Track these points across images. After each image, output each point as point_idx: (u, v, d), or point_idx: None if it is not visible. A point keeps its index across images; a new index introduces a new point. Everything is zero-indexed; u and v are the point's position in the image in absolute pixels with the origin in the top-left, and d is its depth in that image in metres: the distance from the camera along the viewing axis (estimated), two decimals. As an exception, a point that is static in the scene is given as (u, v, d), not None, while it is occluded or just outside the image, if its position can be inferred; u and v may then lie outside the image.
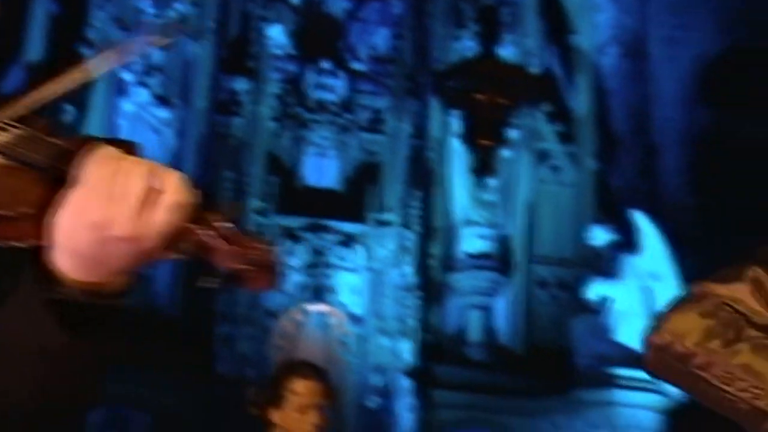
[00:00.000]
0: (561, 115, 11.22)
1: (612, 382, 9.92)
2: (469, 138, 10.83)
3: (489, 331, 10.78)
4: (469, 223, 10.90)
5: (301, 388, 3.18)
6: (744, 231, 10.59)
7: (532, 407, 10.07)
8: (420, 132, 11.09)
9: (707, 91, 11.25)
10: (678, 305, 1.47)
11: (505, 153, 11.00)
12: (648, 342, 1.43)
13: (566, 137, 11.23)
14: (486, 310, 10.79)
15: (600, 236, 10.93)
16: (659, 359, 1.44)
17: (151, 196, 0.91)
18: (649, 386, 9.69)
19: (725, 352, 1.37)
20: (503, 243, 10.96)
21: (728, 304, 1.41)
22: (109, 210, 0.91)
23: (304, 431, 3.19)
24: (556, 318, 10.91)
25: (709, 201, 10.86)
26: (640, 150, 11.48)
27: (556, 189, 11.26)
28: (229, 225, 0.96)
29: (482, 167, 10.86)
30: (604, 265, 10.83)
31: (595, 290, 10.69)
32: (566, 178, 11.26)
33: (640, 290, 10.60)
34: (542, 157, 11.23)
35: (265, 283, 1.00)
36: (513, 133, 10.99)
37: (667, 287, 9.79)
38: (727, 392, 1.37)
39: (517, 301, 10.90)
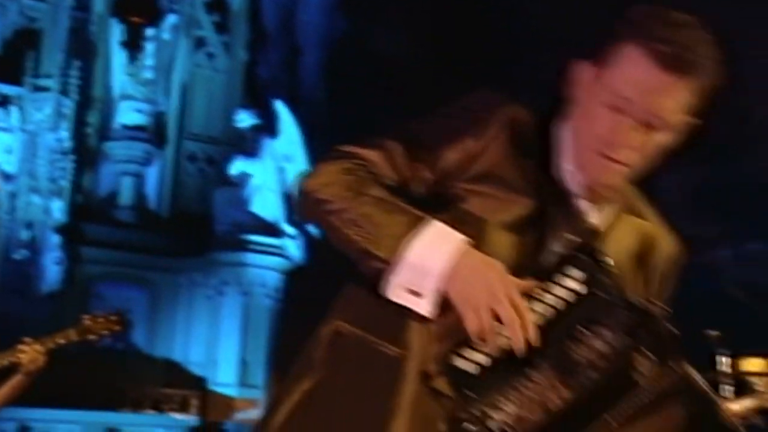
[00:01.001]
0: (218, 6, 11.12)
1: (245, 247, 10.20)
2: (121, 13, 10.42)
3: (139, 196, 10.66)
4: (127, 96, 10.59)
5: None
6: (364, 124, 11.32)
7: (173, 265, 10.17)
8: (83, 4, 10.49)
9: (346, 0, 11.62)
10: (325, 161, 1.57)
11: (165, 35, 10.74)
12: (299, 188, 1.52)
13: (222, 27, 11.17)
14: (137, 177, 10.64)
15: (245, 120, 11.08)
16: (304, 203, 1.53)
17: None
18: (275, 251, 10.17)
19: (354, 202, 1.44)
20: (158, 118, 10.80)
21: (364, 165, 1.53)
22: None
23: None
24: (201, 188, 11.02)
25: (340, 97, 11.36)
26: (285, 47, 11.69)
27: (210, 74, 11.22)
28: None
29: (136, 45, 10.52)
30: (247, 145, 11.04)
31: (237, 166, 10.90)
32: (219, 65, 11.23)
33: (275, 169, 10.99)
34: (199, 43, 11.10)
35: None
36: (172, 18, 10.74)
37: (298, 167, 10.26)
38: (349, 234, 1.50)
39: (167, 172, 10.86)
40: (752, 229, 7.49)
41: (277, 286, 10.30)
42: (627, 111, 1.44)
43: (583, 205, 1.50)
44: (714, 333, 4.71)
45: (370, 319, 1.54)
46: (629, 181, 1.50)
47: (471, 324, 1.38)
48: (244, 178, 10.78)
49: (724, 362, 4.62)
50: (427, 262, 1.42)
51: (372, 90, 11.06)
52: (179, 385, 8.86)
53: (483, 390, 1.36)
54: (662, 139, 1.49)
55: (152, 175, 10.82)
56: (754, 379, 3.77)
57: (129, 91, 10.58)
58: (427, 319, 1.44)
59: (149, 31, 10.54)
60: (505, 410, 1.31)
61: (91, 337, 2.93)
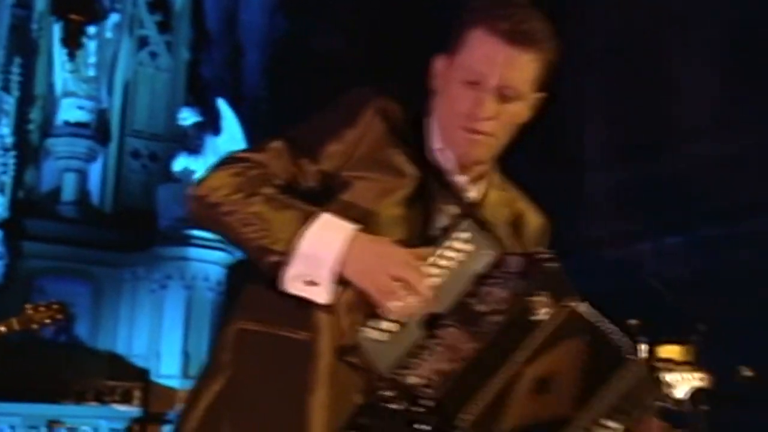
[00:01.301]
0: (160, 6, 10.99)
1: (188, 241, 10.12)
2: (62, 12, 10.21)
3: (82, 192, 10.47)
4: (69, 94, 10.39)
5: None
6: (304, 120, 11.29)
7: (116, 259, 10.04)
8: (24, 2, 10.24)
9: (287, 1, 11.61)
10: (216, 166, 1.62)
11: (107, 34, 10.57)
12: (188, 194, 1.57)
13: (164, 27, 11.04)
14: (80, 173, 10.46)
15: (188, 117, 10.99)
16: (196, 208, 1.57)
17: None
18: (217, 245, 10.10)
19: (244, 203, 1.50)
20: (101, 115, 10.64)
21: (252, 167, 1.56)
22: None
23: None
24: (144, 184, 10.90)
25: (281, 95, 11.34)
26: (228, 47, 11.63)
27: (153, 72, 11.09)
28: None
29: (78, 43, 10.33)
30: (190, 142, 10.96)
31: (180, 163, 10.80)
32: (162, 63, 11.09)
33: (218, 165, 10.91)
34: (142, 42, 10.97)
35: None
36: (114, 17, 10.57)
37: (240, 164, 10.19)
38: (243, 233, 1.52)
39: (110, 168, 10.72)
40: (670, 224, 7.71)
41: (220, 279, 10.26)
42: (481, 85, 1.56)
43: (459, 180, 1.63)
44: (634, 322, 4.88)
45: (273, 313, 1.60)
46: (494, 151, 1.65)
47: (374, 294, 1.46)
48: (187, 174, 10.67)
49: (643, 349, 4.79)
50: (320, 252, 1.50)
51: (312, 87, 11.07)
52: (122, 377, 8.75)
53: (395, 355, 1.43)
54: (516, 108, 1.67)
55: (95, 171, 10.65)
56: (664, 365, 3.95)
57: (71, 88, 10.38)
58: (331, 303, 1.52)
59: (91, 30, 10.35)
60: (419, 369, 1.37)
61: (34, 326, 2.91)
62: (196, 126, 10.99)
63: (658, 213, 7.82)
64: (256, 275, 1.60)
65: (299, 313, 1.52)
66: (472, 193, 1.64)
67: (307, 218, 1.49)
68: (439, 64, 1.65)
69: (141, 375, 9.23)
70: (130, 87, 10.91)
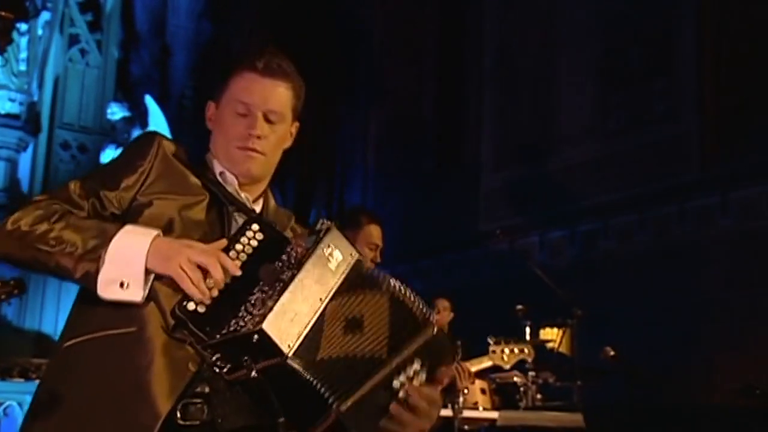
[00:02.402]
0: (91, 6, 10.56)
1: (114, 227, 9.75)
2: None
3: (12, 180, 10.01)
4: (0, 87, 9.90)
5: None
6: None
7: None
8: (-44, -2, 9.72)
9: (212, 7, 11.39)
10: (25, 206, 1.61)
11: (38, 31, 10.10)
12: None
13: (95, 26, 10.62)
14: (11, 162, 9.99)
15: (117, 112, 10.67)
16: (9, 242, 1.55)
17: None
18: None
19: (53, 226, 1.52)
20: (31, 107, 10.16)
21: (57, 202, 1.58)
22: None
23: None
24: (73, 174, 10.40)
25: (205, 94, 11.10)
26: (156, 47, 11.29)
27: (83, 68, 10.64)
28: None
29: (9, 38, 9.85)
30: (118, 135, 10.63)
31: (108, 154, 10.47)
32: (92, 61, 10.66)
33: (144, 158, 10.62)
34: (72, 40, 10.51)
35: None
36: (46, 15, 10.11)
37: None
38: (55, 252, 1.51)
39: (40, 158, 10.25)
40: (555, 219, 7.88)
41: (145, 263, 9.94)
42: (249, 112, 1.70)
43: (243, 196, 1.71)
44: (520, 307, 4.95)
45: (98, 322, 1.59)
46: (267, 169, 1.75)
47: (181, 280, 1.51)
48: (101, 165, 10.34)
49: (527, 331, 4.87)
50: (127, 254, 1.52)
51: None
52: (47, 355, 8.38)
53: (217, 320, 1.46)
54: (281, 131, 1.74)
55: (25, 160, 10.17)
56: (490, 341, 4.13)
57: (2, 81, 9.89)
58: (155, 291, 1.51)
59: (23, 26, 9.88)
60: (240, 321, 1.42)
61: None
62: (125, 120, 10.66)
63: (544, 209, 7.98)
64: (82, 292, 1.62)
65: (123, 312, 1.55)
66: (256, 208, 1.75)
67: (112, 229, 1.53)
68: (210, 108, 1.80)
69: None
70: (61, 82, 10.45)
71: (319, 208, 10.51)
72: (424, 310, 1.57)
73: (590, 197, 7.63)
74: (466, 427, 4.29)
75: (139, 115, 10.74)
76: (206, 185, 1.66)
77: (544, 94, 8.39)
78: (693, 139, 6.90)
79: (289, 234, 1.71)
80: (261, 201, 1.77)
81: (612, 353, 4.57)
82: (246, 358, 1.40)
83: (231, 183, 1.70)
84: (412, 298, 1.56)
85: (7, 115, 9.89)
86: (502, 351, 4.12)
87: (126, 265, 1.47)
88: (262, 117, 1.68)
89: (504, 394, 4.70)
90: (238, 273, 1.50)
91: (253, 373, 1.39)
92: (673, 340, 6.42)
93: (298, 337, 1.40)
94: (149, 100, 10.81)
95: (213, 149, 1.74)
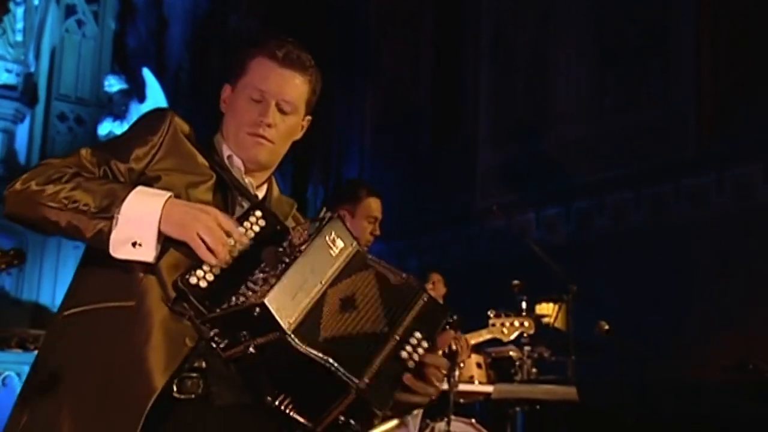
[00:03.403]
0: (88, -23, 10.43)
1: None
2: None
3: (9, 151, 9.94)
4: (-2, 57, 9.80)
5: None
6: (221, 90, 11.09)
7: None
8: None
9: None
10: (35, 167, 1.62)
11: (35, 1, 9.97)
12: (5, 193, 1.54)
13: (91, -4, 10.52)
14: (7, 133, 9.91)
15: (114, 84, 10.58)
16: (15, 200, 1.54)
17: None
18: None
19: (64, 185, 1.51)
20: (28, 78, 10.06)
21: (67, 165, 1.58)
22: None
23: None
24: (70, 145, 10.33)
25: (201, 67, 11.04)
26: (153, 20, 11.17)
27: (80, 39, 10.53)
28: None
29: (5, 8, 9.72)
30: (115, 107, 10.55)
31: (105, 126, 10.40)
32: (89, 32, 10.55)
33: (141, 131, 10.55)
34: (69, 11, 10.39)
35: None
36: (43, -16, 10.00)
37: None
38: (67, 210, 1.50)
39: (37, 129, 10.17)
40: (550, 196, 7.87)
41: (141, 236, 9.90)
42: (263, 99, 1.70)
43: (247, 181, 1.71)
44: (517, 282, 4.94)
45: (97, 292, 1.59)
46: (274, 158, 1.75)
47: (195, 246, 1.50)
48: (111, 137, 10.25)
49: (523, 306, 4.86)
50: (142, 214, 1.51)
51: (228, 61, 10.82)
52: (45, 326, 8.37)
53: (218, 297, 1.45)
54: (292, 122, 1.73)
55: (22, 131, 10.09)
56: (490, 314, 4.11)
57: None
58: (154, 264, 1.54)
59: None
60: (241, 298, 1.41)
61: (-7, 270, 2.73)
62: (122, 92, 10.57)
63: (539, 186, 7.96)
64: (83, 261, 1.64)
65: (123, 284, 1.55)
66: (259, 194, 1.76)
67: (126, 188, 1.52)
68: (226, 90, 1.78)
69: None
70: (57, 53, 10.34)
71: (316, 185, 10.47)
72: (412, 280, 1.59)
73: (586, 175, 7.61)
74: (461, 400, 4.30)
75: (137, 88, 10.66)
76: (213, 167, 1.66)
77: (540, 73, 8.34)
78: (689, 118, 6.88)
79: (290, 223, 1.72)
80: (264, 187, 1.78)
81: (606, 327, 4.58)
82: (244, 333, 1.38)
83: (237, 167, 1.70)
84: (399, 271, 1.59)
85: (4, 86, 9.80)
86: (502, 324, 4.11)
87: (140, 224, 1.46)
88: (276, 106, 1.68)
89: (499, 368, 4.71)
90: (246, 242, 1.51)
91: (251, 349, 1.38)
92: (667, 316, 6.44)
93: (299, 316, 1.40)
94: (146, 73, 10.72)
95: (224, 132, 1.73)
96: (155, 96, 10.60)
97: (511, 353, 4.67)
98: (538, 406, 4.56)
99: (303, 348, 1.37)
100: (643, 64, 7.36)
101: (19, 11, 9.89)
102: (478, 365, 4.44)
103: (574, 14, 8.04)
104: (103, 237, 1.48)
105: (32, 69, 10.11)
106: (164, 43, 11.19)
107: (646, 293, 6.53)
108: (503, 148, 8.60)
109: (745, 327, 5.83)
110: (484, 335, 4.14)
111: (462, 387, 4.16)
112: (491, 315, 4.12)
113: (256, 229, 1.55)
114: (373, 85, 10.32)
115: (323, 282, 1.47)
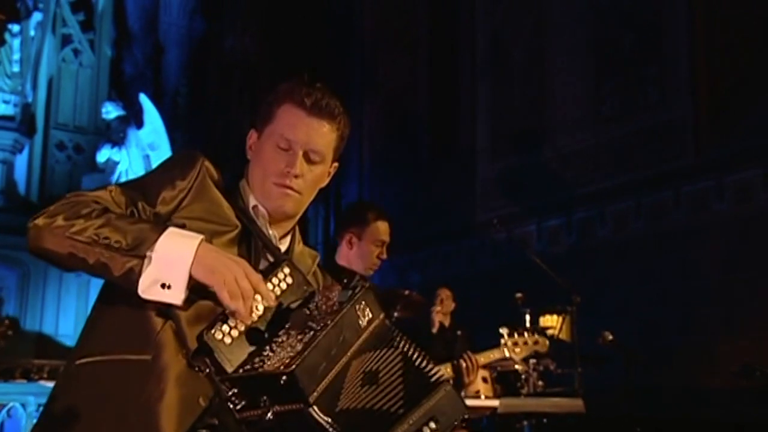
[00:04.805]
0: (83, 6, 10.52)
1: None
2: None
3: (9, 181, 9.99)
4: (-6, 89, 9.88)
5: None
6: (220, 114, 11.17)
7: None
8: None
9: (203, 3, 11.35)
10: (59, 201, 1.56)
11: (31, 32, 10.06)
12: (30, 226, 1.49)
13: (87, 26, 10.59)
14: (7, 164, 9.96)
15: (111, 111, 10.62)
16: (40, 234, 1.48)
17: None
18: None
19: (93, 221, 1.47)
20: (26, 109, 10.13)
21: (94, 201, 1.54)
22: None
23: None
24: (69, 174, 10.46)
25: (198, 90, 11.09)
26: (149, 45, 11.25)
27: (76, 68, 10.62)
28: None
29: (1, 40, 9.80)
30: (113, 134, 10.59)
31: (103, 154, 10.44)
32: (86, 60, 10.65)
33: (140, 156, 10.59)
34: (65, 40, 10.49)
35: None
36: (38, 16, 10.07)
37: (162, 155, 9.91)
38: (96, 247, 1.46)
39: (36, 159, 10.23)
40: (550, 207, 7.88)
41: (143, 262, 9.91)
42: (291, 148, 1.66)
43: (272, 232, 1.68)
44: (519, 295, 4.93)
45: (112, 341, 1.55)
46: (300, 208, 1.72)
47: (223, 294, 1.48)
48: (110, 164, 10.30)
49: (527, 318, 4.85)
50: (174, 256, 1.47)
51: (226, 84, 10.89)
52: (49, 356, 8.38)
53: (240, 354, 1.44)
54: (319, 171, 1.71)
55: (22, 162, 10.14)
56: (503, 332, 4.02)
57: (-4, 83, 9.85)
58: (177, 314, 1.51)
59: (15, 28, 9.84)
60: (265, 363, 1.41)
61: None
62: (120, 119, 10.63)
63: (540, 197, 7.98)
64: (99, 304, 1.60)
65: (139, 334, 1.51)
66: (282, 246, 1.72)
67: (158, 228, 1.49)
68: (252, 137, 1.74)
69: (67, 354, 8.88)
70: (54, 82, 10.42)
71: (316, 204, 10.50)
72: (437, 371, 1.57)
73: (586, 184, 7.63)
74: (467, 415, 4.29)
75: (134, 114, 10.70)
76: (239, 217, 1.63)
77: (537, 83, 8.38)
78: (687, 125, 6.91)
79: (311, 278, 1.71)
80: (288, 239, 1.74)
81: (610, 337, 4.58)
82: (265, 398, 1.37)
83: (263, 217, 1.68)
84: (424, 358, 1.58)
85: (2, 117, 9.87)
86: (515, 344, 4.03)
87: (171, 266, 1.44)
88: (303, 156, 1.65)
89: (505, 382, 4.70)
90: (273, 299, 1.50)
91: (269, 415, 1.37)
92: (670, 324, 6.44)
93: (322, 387, 1.38)
94: (143, 98, 10.77)
95: (249, 179, 1.70)
96: (153, 121, 10.66)
97: (516, 367, 4.66)
98: (545, 420, 4.54)
99: (322, 419, 1.37)
100: (640, 71, 7.40)
101: (16, 42, 9.98)
102: (484, 379, 4.43)
103: (570, 25, 8.09)
104: (134, 276, 1.44)
105: (30, 99, 10.18)
106: (161, 68, 11.26)
107: (650, 301, 6.53)
108: (502, 160, 8.63)
109: (749, 332, 5.82)
110: (495, 355, 4.06)
111: (468, 402, 4.14)
112: (504, 334, 4.02)
113: (283, 286, 1.53)
114: (370, 98, 10.38)
115: (348, 353, 1.46)
